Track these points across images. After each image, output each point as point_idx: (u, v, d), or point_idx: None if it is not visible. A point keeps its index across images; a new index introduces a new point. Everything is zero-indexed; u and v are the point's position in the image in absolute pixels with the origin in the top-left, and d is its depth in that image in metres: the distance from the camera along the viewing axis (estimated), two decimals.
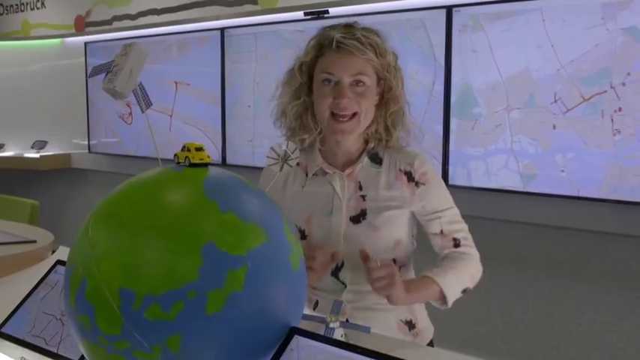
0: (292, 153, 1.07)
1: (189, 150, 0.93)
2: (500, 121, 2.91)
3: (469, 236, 1.55)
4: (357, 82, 1.42)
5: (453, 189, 2.97)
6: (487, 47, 2.92)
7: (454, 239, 1.52)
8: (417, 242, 1.58)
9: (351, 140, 1.50)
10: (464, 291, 1.51)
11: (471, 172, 3.03)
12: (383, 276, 1.33)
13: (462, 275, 1.50)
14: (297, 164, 1.56)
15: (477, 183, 3.01)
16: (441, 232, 1.52)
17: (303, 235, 1.53)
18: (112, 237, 0.83)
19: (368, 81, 1.43)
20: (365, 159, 1.51)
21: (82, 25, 5.07)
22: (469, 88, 3.00)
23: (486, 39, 2.92)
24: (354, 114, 1.43)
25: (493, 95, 2.92)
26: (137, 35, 4.67)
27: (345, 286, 1.50)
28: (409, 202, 1.49)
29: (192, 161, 0.92)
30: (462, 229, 1.54)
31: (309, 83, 1.50)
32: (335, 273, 1.51)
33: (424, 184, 1.49)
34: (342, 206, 1.48)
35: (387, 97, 1.48)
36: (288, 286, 0.89)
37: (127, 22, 4.66)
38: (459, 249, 1.53)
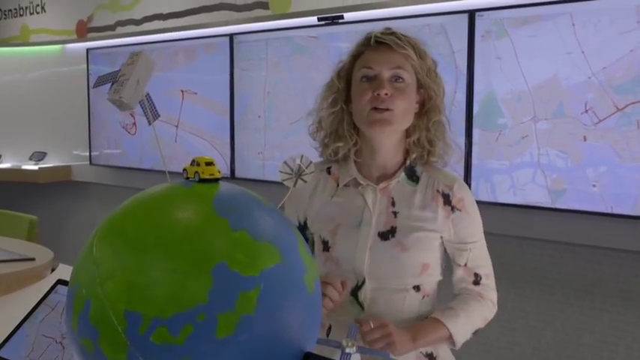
0: (307, 167, 1.07)
1: (198, 164, 0.93)
2: (527, 133, 2.90)
3: (491, 274, 1.57)
4: (397, 78, 1.45)
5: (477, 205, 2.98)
6: (512, 54, 2.92)
7: (475, 275, 1.54)
8: (443, 275, 1.57)
9: (387, 147, 1.51)
10: (474, 332, 1.52)
11: (495, 187, 3.02)
12: (379, 337, 1.36)
13: (474, 317, 1.52)
14: (329, 173, 1.59)
15: (502, 198, 3.00)
16: (465, 264, 1.53)
17: (326, 247, 1.53)
18: (117, 256, 0.84)
19: (407, 78, 1.45)
20: (402, 174, 1.52)
21: (83, 31, 5.13)
22: (493, 97, 3.00)
23: (511, 45, 2.92)
24: (391, 110, 1.45)
25: (519, 105, 2.92)
26: (142, 41, 4.72)
27: (363, 308, 1.50)
28: (442, 226, 1.49)
29: (202, 176, 0.92)
30: (486, 266, 1.55)
31: (347, 90, 1.53)
32: (354, 292, 1.50)
33: (460, 211, 1.50)
34: (372, 220, 1.49)
35: (428, 107, 1.50)
36: (302, 309, 0.89)
37: (131, 28, 4.71)
38: (477, 287, 1.54)
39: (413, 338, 1.41)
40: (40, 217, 3.85)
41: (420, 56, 1.47)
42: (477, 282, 1.53)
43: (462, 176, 3.06)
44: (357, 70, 1.49)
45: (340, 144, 1.54)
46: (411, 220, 1.48)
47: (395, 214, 1.49)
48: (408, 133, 1.51)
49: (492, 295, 1.56)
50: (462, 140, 3.07)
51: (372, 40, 1.47)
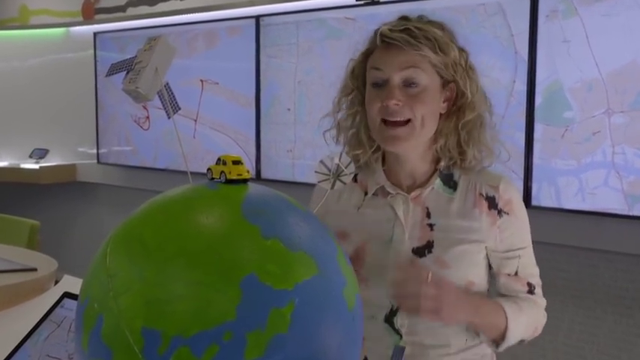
0: (346, 167, 1.08)
1: (225, 163, 0.94)
2: (599, 128, 2.87)
3: (540, 282, 1.57)
4: (410, 83, 1.41)
5: (538, 212, 2.97)
6: (582, 36, 2.89)
7: (529, 284, 1.53)
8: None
9: (413, 157, 1.50)
10: (520, 341, 1.52)
11: (560, 191, 2.99)
12: (432, 296, 1.33)
13: (531, 324, 1.52)
14: (355, 181, 1.58)
15: (568, 204, 2.96)
16: (516, 273, 1.51)
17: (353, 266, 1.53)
18: (134, 266, 0.85)
19: (424, 81, 1.41)
20: (437, 181, 1.50)
21: (90, 12, 5.20)
22: (559, 87, 2.97)
23: (581, 26, 2.89)
24: (408, 121, 1.42)
25: (589, 95, 2.89)
26: (156, 24, 4.77)
27: (401, 337, 1.49)
28: (487, 235, 1.47)
29: (229, 177, 0.93)
30: (536, 274, 1.55)
31: (363, 90, 1.51)
32: (389, 318, 1.50)
33: (508, 214, 1.48)
34: (405, 235, 1.48)
35: (460, 104, 1.47)
36: (342, 327, 0.89)
37: (144, 9, 4.76)
38: (532, 297, 1.54)
39: (470, 313, 1.42)
40: (42, 222, 3.90)
41: (441, 50, 1.42)
42: (531, 292, 1.53)
43: (521, 178, 3.04)
44: (368, 71, 1.48)
45: (359, 151, 1.54)
46: (451, 232, 1.47)
47: (431, 226, 1.48)
48: (435, 137, 1.49)
49: (544, 303, 1.57)
50: (521, 136, 3.05)
51: (378, 39, 1.44)
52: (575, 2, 2.90)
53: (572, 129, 2.94)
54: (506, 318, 1.44)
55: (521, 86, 3.05)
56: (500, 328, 1.45)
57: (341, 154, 1.09)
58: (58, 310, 1.38)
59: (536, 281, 1.54)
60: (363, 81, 1.51)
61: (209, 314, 0.79)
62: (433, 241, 1.47)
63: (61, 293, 1.44)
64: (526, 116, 3.05)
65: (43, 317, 1.38)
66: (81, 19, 5.29)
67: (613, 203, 2.86)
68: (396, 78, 1.41)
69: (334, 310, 0.88)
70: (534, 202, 3.01)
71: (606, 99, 2.85)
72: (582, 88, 2.91)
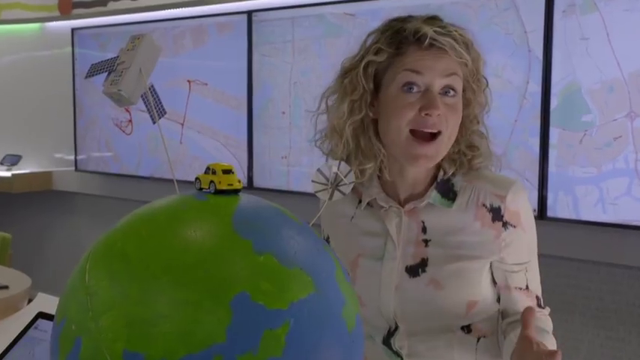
0: (345, 176, 1.08)
1: (214, 172, 0.94)
2: (621, 132, 2.88)
3: (540, 293, 1.56)
4: (448, 90, 1.39)
5: (554, 224, 2.97)
6: (602, 33, 2.90)
7: (537, 298, 1.53)
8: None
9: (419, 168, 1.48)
10: None
11: (578, 201, 3.00)
12: None
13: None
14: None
15: (588, 215, 2.97)
16: (527, 287, 1.50)
17: None
18: (115, 284, 0.85)
19: (459, 88, 1.41)
20: (433, 193, 1.47)
21: (67, 7, 5.20)
22: (577, 88, 2.98)
23: (602, 22, 2.90)
24: (438, 133, 1.39)
25: (610, 98, 2.89)
26: (139, 20, 4.78)
27: (402, 359, 1.50)
28: (489, 249, 1.45)
29: (219, 187, 0.94)
30: (539, 287, 1.54)
31: (376, 92, 1.46)
32: (386, 340, 1.50)
33: (514, 227, 1.45)
34: (397, 252, 1.48)
35: (467, 113, 1.46)
36: (341, 350, 0.89)
37: (126, 4, 4.77)
38: (543, 310, 1.53)
39: None
40: (14, 234, 3.91)
41: (473, 59, 1.42)
42: (539, 305, 1.52)
43: (536, 187, 3.04)
44: (398, 73, 1.40)
45: (369, 165, 1.47)
46: (447, 249, 1.45)
47: (426, 242, 1.47)
48: None
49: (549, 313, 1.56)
50: (535, 142, 3.05)
51: (427, 40, 1.37)
52: None
53: (592, 134, 2.95)
54: None
55: (536, 87, 3.06)
56: None
57: (340, 162, 1.09)
58: (31, 331, 1.38)
59: (540, 295, 1.54)
60: (375, 82, 1.45)
61: (197, 336, 0.80)
62: (427, 259, 1.46)
63: (35, 313, 1.44)
64: (541, 120, 3.05)
65: (14, 340, 1.38)
66: (57, 13, 5.29)
67: (637, 214, 2.86)
68: (438, 85, 1.38)
69: (332, 331, 0.89)
70: (550, 214, 3.02)
71: (629, 101, 2.86)
72: (602, 90, 2.92)
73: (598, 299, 3.08)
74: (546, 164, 3.06)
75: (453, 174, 1.49)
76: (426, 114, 1.36)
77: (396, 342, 1.49)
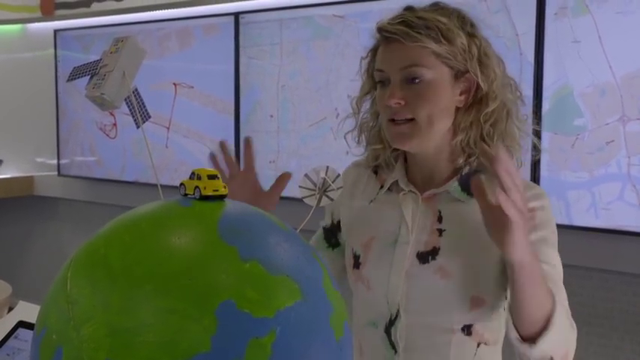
0: (333, 182, 1.08)
1: (199, 178, 0.94)
2: (613, 137, 2.89)
3: (568, 307, 1.45)
4: (412, 79, 1.44)
5: None
6: (594, 36, 2.92)
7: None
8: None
9: (430, 155, 1.52)
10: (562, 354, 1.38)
11: (570, 206, 3.01)
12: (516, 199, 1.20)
13: (567, 336, 1.38)
14: (376, 173, 1.65)
15: (580, 221, 2.98)
16: None
17: (357, 263, 1.58)
18: (97, 292, 0.85)
19: (428, 75, 1.43)
20: (454, 185, 1.52)
21: (50, 7, 5.19)
22: (569, 91, 2.99)
23: (593, 25, 2.92)
24: (412, 119, 1.45)
25: (602, 101, 2.91)
26: (123, 21, 4.77)
27: (396, 352, 1.51)
28: (495, 247, 1.44)
29: (204, 193, 0.94)
30: (562, 297, 1.44)
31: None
32: (388, 328, 1.52)
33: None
34: (410, 237, 1.51)
35: (480, 96, 1.48)
36: (328, 359, 0.90)
37: (111, 5, 4.76)
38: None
39: (533, 255, 1.27)
40: None
41: (445, 39, 1.43)
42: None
43: None
44: (375, 71, 1.53)
45: (379, 146, 1.60)
46: (460, 240, 1.48)
47: (440, 231, 1.50)
48: (453, 132, 1.51)
49: (575, 329, 1.43)
50: (526, 146, 3.06)
51: (377, 33, 1.50)
52: None
53: (584, 138, 2.96)
54: (554, 300, 1.34)
55: (527, 91, 3.07)
56: (547, 306, 1.32)
57: (327, 167, 1.09)
58: (11, 341, 1.38)
59: (561, 299, 1.42)
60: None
61: (181, 345, 0.79)
62: (439, 248, 1.48)
63: (15, 322, 1.44)
64: (532, 124, 3.06)
65: None
66: (39, 14, 5.28)
67: (629, 219, 2.87)
68: (397, 76, 1.45)
69: (320, 339, 0.88)
70: None
71: (621, 105, 2.87)
72: (594, 93, 2.93)
73: (591, 306, 3.09)
74: (538, 168, 3.07)
75: (478, 171, 1.49)
76: (387, 104, 1.45)
77: (395, 332, 1.50)
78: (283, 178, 1.58)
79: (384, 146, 1.59)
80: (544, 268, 1.41)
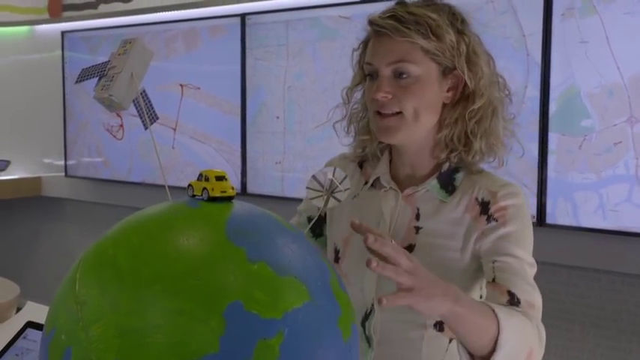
0: (341, 183, 1.09)
1: (207, 179, 0.95)
2: (621, 138, 2.88)
3: (537, 307, 1.41)
4: (400, 74, 1.46)
5: (553, 230, 2.97)
6: (602, 37, 2.91)
7: (510, 294, 1.39)
8: None
9: (413, 149, 1.55)
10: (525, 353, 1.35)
11: (577, 208, 3.00)
12: (408, 266, 1.15)
13: (525, 339, 1.32)
14: (361, 167, 1.67)
15: (587, 222, 2.97)
16: (493, 280, 1.42)
17: (336, 257, 1.61)
18: (106, 293, 0.85)
19: (416, 71, 1.45)
20: (433, 182, 1.54)
21: (57, 9, 5.20)
22: (576, 92, 2.98)
23: (601, 25, 2.91)
24: (399, 112, 1.48)
25: (610, 102, 2.90)
26: (130, 23, 4.77)
27: (370, 345, 1.53)
28: (466, 244, 1.47)
29: (212, 194, 0.94)
30: (526, 292, 1.40)
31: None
32: (363, 322, 1.54)
33: (496, 221, 1.46)
34: (387, 234, 1.49)
35: (467, 93, 1.50)
36: None
37: (118, 6, 4.77)
38: (517, 309, 1.38)
39: (449, 299, 1.19)
40: (2, 242, 3.90)
41: (434, 35, 1.45)
42: (512, 303, 1.38)
43: (535, 193, 3.04)
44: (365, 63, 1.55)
45: (367, 137, 1.62)
46: (435, 238, 1.50)
47: (417, 229, 1.52)
48: (438, 128, 1.53)
49: (541, 329, 1.38)
50: (534, 147, 3.05)
51: (368, 26, 1.53)
52: None
53: (591, 139, 2.96)
54: (497, 317, 1.27)
55: (534, 92, 3.06)
56: (490, 330, 1.26)
57: (335, 169, 1.10)
58: (20, 341, 1.38)
59: (526, 298, 1.39)
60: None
61: (189, 346, 0.80)
62: (415, 245, 1.50)
63: (24, 323, 1.44)
64: (540, 125, 3.05)
65: (2, 350, 1.37)
66: (47, 16, 5.29)
67: (638, 221, 2.86)
68: (385, 70, 1.47)
69: (328, 340, 0.89)
70: (549, 220, 3.02)
71: (629, 106, 2.86)
72: (602, 94, 2.92)
73: (598, 308, 3.08)
74: (545, 170, 3.06)
75: (457, 169, 1.54)
76: (373, 96, 1.47)
77: (371, 327, 1.53)
78: None
79: (371, 138, 1.60)
80: (508, 262, 1.41)
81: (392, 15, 1.46)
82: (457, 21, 1.51)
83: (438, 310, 1.20)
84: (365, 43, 1.56)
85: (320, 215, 1.68)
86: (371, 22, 1.50)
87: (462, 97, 1.50)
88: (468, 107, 1.49)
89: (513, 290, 1.39)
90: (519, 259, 1.43)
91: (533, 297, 1.41)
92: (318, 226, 1.73)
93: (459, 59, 1.47)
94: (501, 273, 1.42)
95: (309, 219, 1.74)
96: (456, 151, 1.52)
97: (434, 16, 1.45)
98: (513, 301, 1.38)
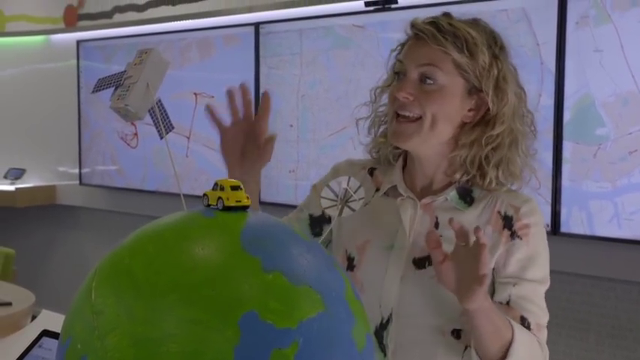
0: (355, 192, 1.09)
1: (222, 189, 0.95)
2: (636, 146, 2.87)
3: (543, 331, 1.50)
4: (426, 78, 1.47)
5: (567, 240, 2.96)
6: (616, 45, 2.90)
7: (522, 319, 1.47)
8: None
9: (429, 162, 1.54)
10: None
11: (592, 217, 2.99)
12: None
13: (536, 350, 1.45)
14: (371, 175, 1.66)
15: (602, 231, 2.96)
16: (508, 303, 1.48)
17: (350, 265, 1.59)
18: (121, 302, 0.85)
19: (442, 80, 1.46)
20: (452, 192, 1.54)
21: (73, 19, 5.24)
22: (590, 101, 2.97)
23: (615, 34, 2.90)
24: (418, 118, 1.47)
25: (625, 111, 2.89)
26: (145, 32, 4.80)
27: (385, 355, 1.52)
28: (493, 255, 1.47)
29: (227, 204, 0.94)
30: (536, 315, 1.49)
31: None
32: (378, 332, 1.53)
33: (520, 239, 1.49)
34: (406, 243, 1.52)
35: (488, 117, 1.49)
36: None
37: (133, 15, 4.80)
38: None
39: (485, 293, 1.32)
40: (18, 250, 3.91)
41: (469, 52, 1.45)
42: (523, 326, 1.46)
43: (549, 202, 3.04)
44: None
45: (383, 139, 1.62)
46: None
47: None
48: (453, 146, 1.52)
49: (545, 351, 1.49)
50: (548, 156, 3.05)
51: (409, 29, 1.52)
52: (609, 8, 2.92)
53: (606, 147, 2.95)
54: (512, 326, 1.39)
55: (548, 100, 3.06)
56: (505, 336, 1.38)
57: (349, 178, 1.10)
58: (35, 350, 1.38)
59: (537, 322, 1.48)
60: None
61: (204, 356, 0.80)
62: None
63: (40, 331, 1.45)
64: (554, 134, 3.05)
65: (18, 358, 1.38)
66: (63, 25, 5.33)
67: None
68: (413, 72, 1.48)
69: (342, 351, 0.88)
70: (563, 229, 3.01)
71: None
72: (617, 103, 2.91)
73: (614, 317, 3.06)
74: (560, 178, 3.05)
75: (472, 184, 1.54)
76: (396, 95, 1.48)
77: (386, 336, 1.52)
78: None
79: (386, 141, 1.60)
80: (527, 288, 1.48)
81: (433, 22, 1.47)
82: (495, 45, 1.51)
83: (477, 296, 1.30)
84: (402, 45, 1.56)
85: (323, 215, 1.69)
86: (412, 25, 1.51)
87: (483, 121, 1.50)
88: (487, 132, 1.49)
89: (526, 315, 1.47)
90: (537, 282, 1.50)
91: (542, 319, 1.49)
92: (318, 226, 1.72)
93: (487, 81, 1.47)
94: (518, 298, 1.48)
95: (310, 216, 1.73)
96: (470, 174, 1.52)
97: (473, 33, 1.46)
98: (524, 324, 1.46)
